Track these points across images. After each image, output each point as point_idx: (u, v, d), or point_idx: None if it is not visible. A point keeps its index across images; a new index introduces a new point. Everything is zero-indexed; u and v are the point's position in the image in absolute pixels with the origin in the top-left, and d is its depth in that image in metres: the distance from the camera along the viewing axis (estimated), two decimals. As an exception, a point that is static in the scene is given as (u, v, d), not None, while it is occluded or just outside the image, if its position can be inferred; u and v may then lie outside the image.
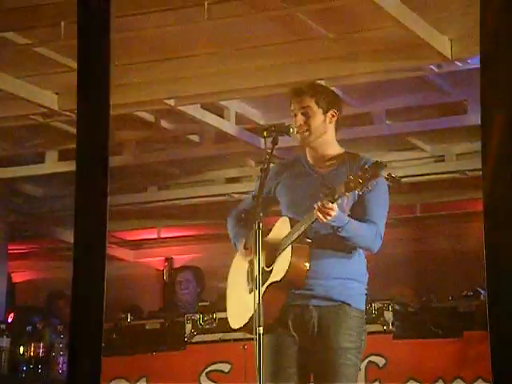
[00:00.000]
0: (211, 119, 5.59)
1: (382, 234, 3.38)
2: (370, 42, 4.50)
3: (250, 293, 3.39)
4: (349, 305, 3.34)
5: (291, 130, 3.45)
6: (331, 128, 3.50)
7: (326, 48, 4.58)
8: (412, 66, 4.68)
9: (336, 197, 3.19)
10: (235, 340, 4.55)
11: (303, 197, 3.40)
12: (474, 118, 5.35)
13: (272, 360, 3.30)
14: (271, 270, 3.34)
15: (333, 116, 3.49)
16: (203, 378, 4.89)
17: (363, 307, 3.41)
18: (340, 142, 6.01)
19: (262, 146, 5.78)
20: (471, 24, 4.08)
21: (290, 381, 3.32)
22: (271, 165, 3.43)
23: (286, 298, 3.32)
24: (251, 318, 3.25)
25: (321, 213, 3.20)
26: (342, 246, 3.34)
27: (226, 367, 4.56)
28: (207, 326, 4.87)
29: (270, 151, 3.34)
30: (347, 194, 3.18)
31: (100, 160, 2.59)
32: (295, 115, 3.48)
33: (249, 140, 5.89)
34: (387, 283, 5.43)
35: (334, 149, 3.51)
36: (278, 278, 3.29)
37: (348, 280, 3.36)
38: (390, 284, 5.43)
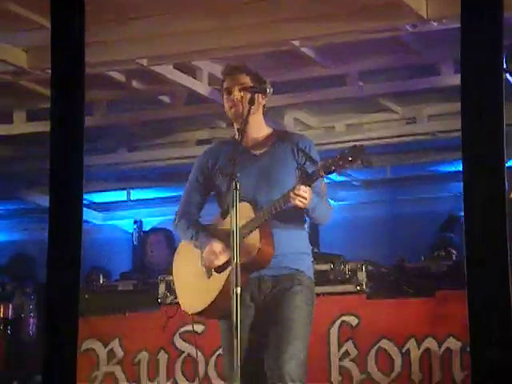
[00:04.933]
0: (183, 80, 5.54)
1: None
2: (345, 2, 4.47)
3: (208, 278, 3.45)
4: (302, 272, 3.44)
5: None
6: (261, 109, 3.55)
7: (300, 8, 4.54)
8: (387, 26, 4.66)
9: (314, 179, 3.24)
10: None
11: (250, 182, 3.42)
12: (446, 79, 5.37)
13: (229, 340, 3.30)
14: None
15: (262, 98, 3.53)
16: (176, 338, 4.90)
17: (313, 277, 3.52)
18: (313, 103, 6.02)
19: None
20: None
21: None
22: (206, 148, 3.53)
23: (247, 278, 3.37)
24: (212, 302, 3.38)
25: (298, 199, 3.25)
26: (295, 220, 3.43)
27: (199, 328, 4.57)
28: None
29: (246, 111, 3.36)
30: (323, 175, 3.23)
31: (75, 120, 2.56)
32: (229, 92, 3.50)
33: (221, 101, 5.83)
34: (360, 245, 5.47)
35: (265, 130, 3.56)
36: (245, 262, 3.30)
37: (300, 254, 3.47)
38: (362, 245, 5.47)
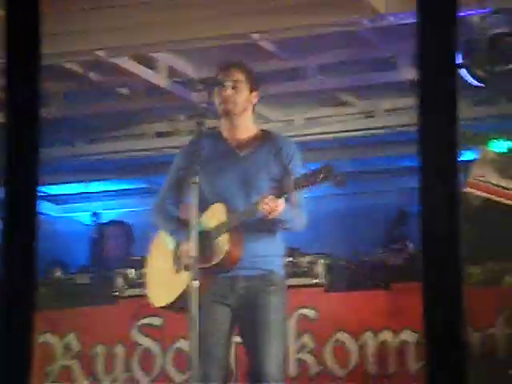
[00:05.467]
0: (142, 71, 5.50)
1: None
2: (304, -5, 4.49)
3: (176, 273, 3.47)
4: (275, 273, 3.48)
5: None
6: (251, 108, 3.54)
7: (259, 1, 4.55)
8: (345, 20, 4.68)
9: (284, 192, 3.26)
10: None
11: (230, 183, 3.44)
12: (403, 73, 5.41)
13: (203, 325, 3.33)
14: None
15: (254, 97, 3.53)
16: (135, 331, 4.89)
17: (284, 277, 3.55)
18: (272, 96, 6.03)
19: (194, 100, 5.76)
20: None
21: (218, 344, 3.39)
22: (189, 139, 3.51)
23: (215, 278, 3.41)
24: (178, 297, 3.40)
25: (267, 210, 3.26)
26: (267, 224, 3.43)
27: (157, 321, 4.56)
28: (138, 280, 4.85)
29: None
30: (293, 190, 3.25)
31: (31, 112, 2.53)
32: (221, 87, 3.48)
33: (180, 93, 5.82)
34: (317, 238, 5.50)
35: (252, 129, 3.56)
36: (213, 263, 3.36)
37: (271, 257, 3.49)
38: (319, 239, 5.50)
